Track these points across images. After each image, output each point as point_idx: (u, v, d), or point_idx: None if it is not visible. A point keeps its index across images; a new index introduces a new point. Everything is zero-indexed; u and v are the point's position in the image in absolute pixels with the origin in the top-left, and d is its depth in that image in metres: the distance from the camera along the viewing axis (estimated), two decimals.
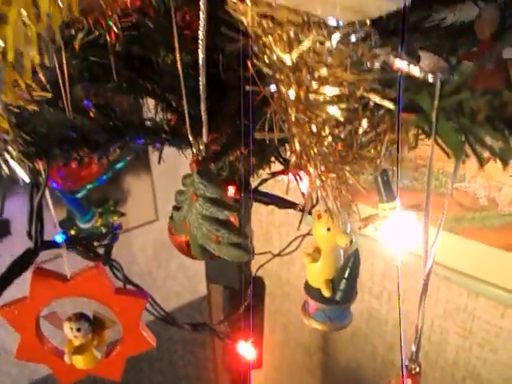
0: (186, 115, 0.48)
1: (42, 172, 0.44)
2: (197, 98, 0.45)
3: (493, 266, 1.17)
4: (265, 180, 0.80)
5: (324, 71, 0.35)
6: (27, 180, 0.39)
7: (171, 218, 0.46)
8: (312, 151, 0.41)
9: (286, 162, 0.75)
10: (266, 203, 0.79)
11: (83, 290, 0.56)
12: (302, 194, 0.72)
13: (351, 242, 0.53)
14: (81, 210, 0.88)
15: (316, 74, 0.36)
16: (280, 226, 1.79)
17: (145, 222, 1.58)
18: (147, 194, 1.54)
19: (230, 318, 1.04)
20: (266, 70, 0.39)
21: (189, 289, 1.84)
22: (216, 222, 0.40)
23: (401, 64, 0.30)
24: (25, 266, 0.60)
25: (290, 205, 0.78)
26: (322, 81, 0.36)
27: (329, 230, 0.53)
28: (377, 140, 0.38)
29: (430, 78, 0.30)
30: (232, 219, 0.82)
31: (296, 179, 0.72)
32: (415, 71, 0.30)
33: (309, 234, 0.77)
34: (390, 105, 0.34)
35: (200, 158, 0.40)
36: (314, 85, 0.36)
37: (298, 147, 0.41)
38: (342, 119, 0.36)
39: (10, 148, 0.35)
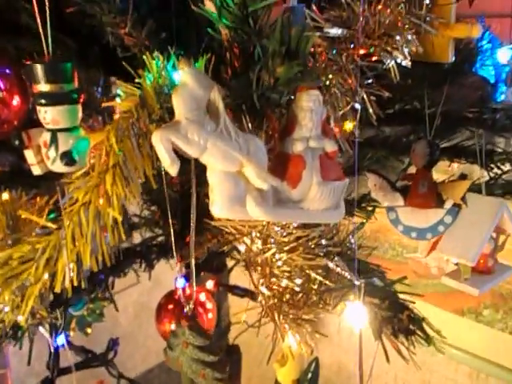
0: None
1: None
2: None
3: (448, 328, 1.30)
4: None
5: (284, 256, 0.47)
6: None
7: (165, 352, 0.56)
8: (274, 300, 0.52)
9: None
10: (241, 296, 0.90)
11: None
12: None
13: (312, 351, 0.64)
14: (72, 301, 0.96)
15: (277, 257, 0.48)
16: None
17: (127, 286, 1.66)
18: None
19: None
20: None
21: None
22: (203, 363, 0.51)
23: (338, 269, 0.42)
24: None
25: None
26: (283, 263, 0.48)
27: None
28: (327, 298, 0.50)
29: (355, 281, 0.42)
30: (211, 305, 0.92)
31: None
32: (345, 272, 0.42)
33: None
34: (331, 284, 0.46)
35: (189, 314, 0.51)
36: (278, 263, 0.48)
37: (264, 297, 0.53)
38: (297, 289, 0.48)
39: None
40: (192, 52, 0.64)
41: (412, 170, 0.84)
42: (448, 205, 0.77)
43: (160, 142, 0.37)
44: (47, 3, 0.52)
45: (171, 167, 0.37)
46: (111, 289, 0.72)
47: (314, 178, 0.42)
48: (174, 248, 0.57)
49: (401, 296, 0.47)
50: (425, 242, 0.94)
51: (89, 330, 1.04)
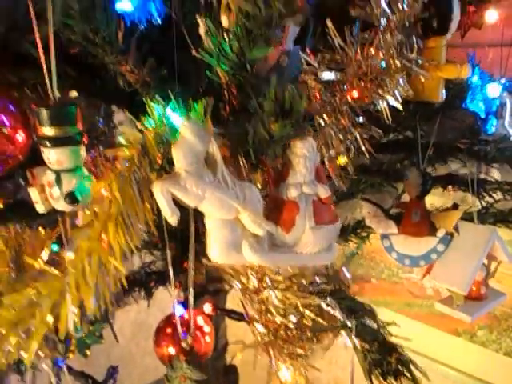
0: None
1: None
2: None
3: (443, 348, 1.31)
4: None
5: (279, 295, 0.49)
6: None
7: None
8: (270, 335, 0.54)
9: None
10: (239, 320, 0.91)
11: None
12: None
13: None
14: None
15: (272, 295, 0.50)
16: None
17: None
18: None
19: None
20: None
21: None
22: None
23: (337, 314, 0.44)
24: None
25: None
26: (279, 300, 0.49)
27: None
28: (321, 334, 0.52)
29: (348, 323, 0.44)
30: (209, 329, 0.94)
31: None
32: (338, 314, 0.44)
33: None
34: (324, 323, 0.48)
35: (187, 348, 0.52)
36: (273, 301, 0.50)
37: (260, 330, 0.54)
38: (291, 325, 0.50)
39: None
40: (191, 90, 0.66)
41: (406, 197, 0.86)
42: (441, 233, 0.79)
43: (161, 193, 0.38)
44: (52, 41, 0.54)
45: (171, 218, 0.39)
46: (111, 319, 0.74)
47: (308, 223, 0.44)
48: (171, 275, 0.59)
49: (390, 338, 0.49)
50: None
51: (88, 352, 1.05)
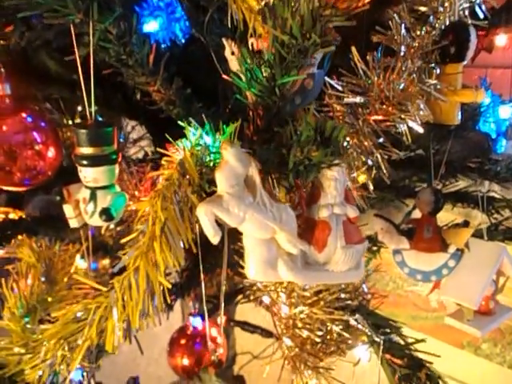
0: None
1: None
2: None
3: (448, 360, 1.33)
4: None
5: (306, 310, 0.51)
6: None
7: None
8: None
9: None
10: (251, 332, 0.93)
11: None
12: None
13: None
14: None
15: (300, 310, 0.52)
16: None
17: None
18: None
19: None
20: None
21: (170, 372, 1.92)
22: None
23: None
24: None
25: (269, 334, 0.92)
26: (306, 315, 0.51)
27: None
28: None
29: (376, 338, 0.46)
30: (222, 340, 0.95)
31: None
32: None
33: None
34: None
35: (216, 361, 0.54)
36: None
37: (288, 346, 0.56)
38: (318, 340, 0.52)
39: None
40: (218, 110, 0.69)
41: (416, 214, 0.88)
42: (452, 249, 0.82)
43: (205, 215, 0.41)
44: (92, 67, 0.56)
45: (214, 238, 0.41)
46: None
47: (339, 243, 0.46)
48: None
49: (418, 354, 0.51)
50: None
51: (100, 362, 1.06)
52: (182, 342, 0.93)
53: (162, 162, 0.47)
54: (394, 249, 0.86)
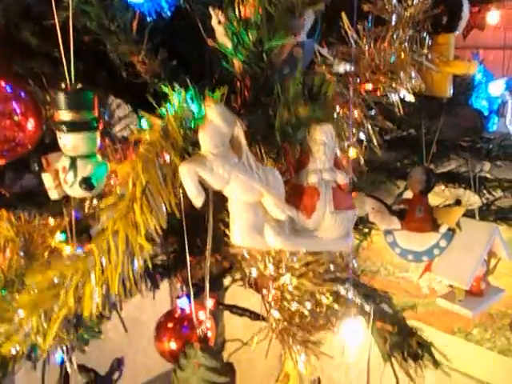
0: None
1: None
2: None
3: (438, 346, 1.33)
4: None
5: (295, 281, 0.49)
6: None
7: (175, 372, 0.57)
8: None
9: None
10: (240, 315, 0.91)
11: None
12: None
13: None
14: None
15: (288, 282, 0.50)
16: None
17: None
18: None
19: None
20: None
21: (159, 362, 1.91)
22: None
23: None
24: None
25: (258, 316, 0.91)
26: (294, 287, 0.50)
27: None
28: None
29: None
30: (210, 324, 0.93)
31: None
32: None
33: None
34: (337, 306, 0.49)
35: (202, 336, 0.52)
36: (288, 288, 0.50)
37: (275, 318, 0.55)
38: (306, 312, 0.50)
39: None
40: (205, 81, 0.67)
41: (408, 194, 0.87)
42: (443, 229, 0.80)
43: (188, 174, 0.39)
44: (71, 30, 0.53)
45: (197, 199, 0.39)
46: (120, 310, 0.73)
47: (328, 208, 0.45)
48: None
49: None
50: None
51: (86, 348, 1.04)
52: (170, 325, 0.91)
53: (145, 127, 0.45)
54: (385, 229, 0.85)
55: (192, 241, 0.61)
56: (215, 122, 0.40)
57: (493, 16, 0.84)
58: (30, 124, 0.62)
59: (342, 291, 0.45)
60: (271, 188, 0.42)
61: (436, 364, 0.48)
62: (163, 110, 0.47)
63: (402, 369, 0.46)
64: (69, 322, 0.54)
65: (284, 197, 0.43)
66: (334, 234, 0.45)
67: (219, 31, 0.60)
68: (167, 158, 0.43)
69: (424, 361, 0.46)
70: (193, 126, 0.44)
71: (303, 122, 0.39)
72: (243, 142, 0.41)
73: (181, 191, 0.43)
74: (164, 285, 1.04)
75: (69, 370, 0.65)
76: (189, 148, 0.43)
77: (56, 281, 0.40)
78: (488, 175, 0.86)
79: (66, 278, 0.39)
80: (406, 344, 0.45)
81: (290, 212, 0.43)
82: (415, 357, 0.46)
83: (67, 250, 0.70)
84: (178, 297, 0.90)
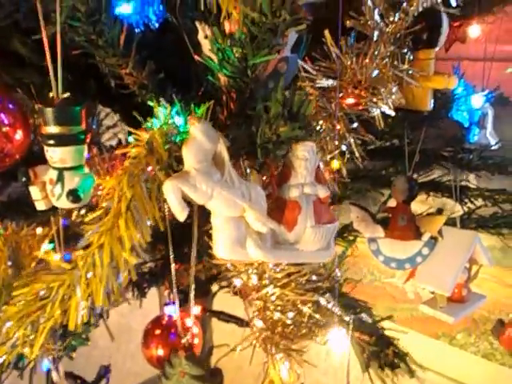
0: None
1: None
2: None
3: (423, 351, 1.35)
4: None
5: (277, 291, 0.51)
6: None
7: (160, 381, 0.58)
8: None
9: None
10: (227, 321, 0.92)
11: None
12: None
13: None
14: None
15: (271, 292, 0.51)
16: None
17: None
18: None
19: None
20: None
21: (147, 367, 1.91)
22: None
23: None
24: None
25: (244, 323, 0.92)
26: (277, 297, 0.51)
27: None
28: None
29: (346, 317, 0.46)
30: (198, 330, 0.94)
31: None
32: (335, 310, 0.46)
33: None
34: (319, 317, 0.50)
35: (186, 344, 0.53)
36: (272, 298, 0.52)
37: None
38: (289, 322, 0.52)
39: None
40: (191, 93, 0.68)
41: (392, 203, 0.89)
42: (425, 237, 0.82)
43: (171, 191, 0.40)
44: (59, 45, 0.54)
45: (181, 214, 0.40)
46: (106, 317, 0.74)
47: (309, 222, 0.46)
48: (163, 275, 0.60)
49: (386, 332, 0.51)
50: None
51: (73, 355, 1.04)
52: (157, 332, 0.92)
53: (131, 141, 0.46)
54: (369, 237, 0.87)
55: (179, 247, 0.62)
56: (198, 138, 0.41)
57: (474, 29, 0.87)
58: (18, 135, 0.63)
59: (322, 302, 0.47)
60: (253, 203, 0.43)
61: (411, 373, 0.49)
62: (149, 124, 0.49)
63: (378, 378, 0.48)
64: (55, 333, 0.54)
65: (266, 210, 0.45)
66: (314, 247, 0.46)
67: (206, 46, 0.62)
68: (152, 172, 0.44)
69: (400, 370, 0.48)
70: (177, 141, 0.46)
71: (283, 141, 0.40)
72: (226, 158, 0.42)
73: (165, 206, 0.44)
74: (153, 291, 1.05)
75: (55, 378, 0.66)
76: (173, 163, 0.44)
77: (42, 293, 0.41)
78: (470, 185, 0.88)
79: (53, 290, 0.40)
80: (383, 353, 0.47)
81: (271, 225, 0.44)
82: (392, 366, 0.47)
83: (55, 257, 0.71)
84: (166, 304, 0.91)
